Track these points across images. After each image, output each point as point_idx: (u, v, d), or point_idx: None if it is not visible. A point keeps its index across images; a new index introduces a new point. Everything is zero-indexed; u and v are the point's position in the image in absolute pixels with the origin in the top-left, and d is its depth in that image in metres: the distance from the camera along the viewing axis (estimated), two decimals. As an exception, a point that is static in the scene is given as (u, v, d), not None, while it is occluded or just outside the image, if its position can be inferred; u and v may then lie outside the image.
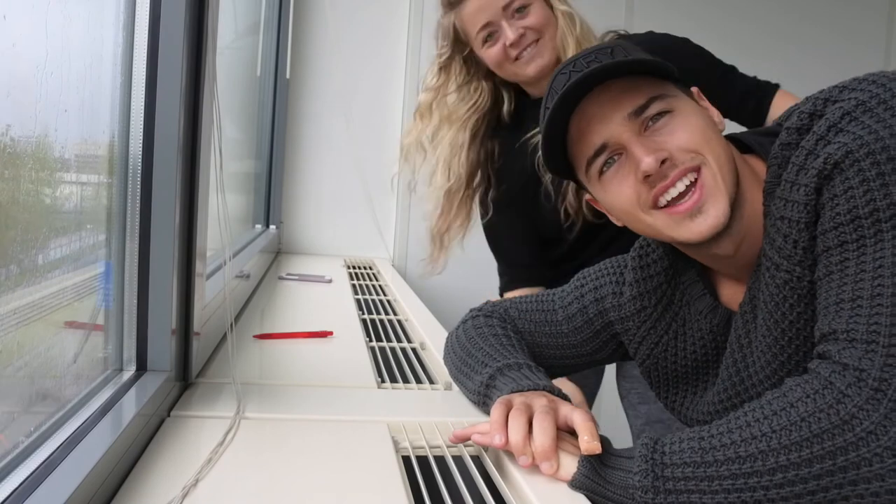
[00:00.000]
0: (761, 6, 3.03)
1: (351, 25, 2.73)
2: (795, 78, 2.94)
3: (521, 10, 1.28)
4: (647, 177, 0.79)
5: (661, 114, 0.80)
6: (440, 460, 0.82)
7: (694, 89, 0.87)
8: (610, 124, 0.81)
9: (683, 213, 0.79)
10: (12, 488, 0.57)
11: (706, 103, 0.87)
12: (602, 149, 0.82)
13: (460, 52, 1.38)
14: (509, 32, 1.28)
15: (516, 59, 1.31)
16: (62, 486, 0.58)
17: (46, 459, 0.63)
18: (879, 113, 0.70)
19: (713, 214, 0.78)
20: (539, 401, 0.81)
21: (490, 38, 1.31)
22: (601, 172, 0.84)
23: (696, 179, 0.79)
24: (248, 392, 0.97)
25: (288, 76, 2.66)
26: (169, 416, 0.88)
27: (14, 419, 0.65)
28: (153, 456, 0.75)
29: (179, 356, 0.95)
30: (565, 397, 0.86)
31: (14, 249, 0.64)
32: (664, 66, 0.82)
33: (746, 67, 3.26)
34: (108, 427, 0.71)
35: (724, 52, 3.18)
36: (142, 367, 0.90)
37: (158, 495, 0.66)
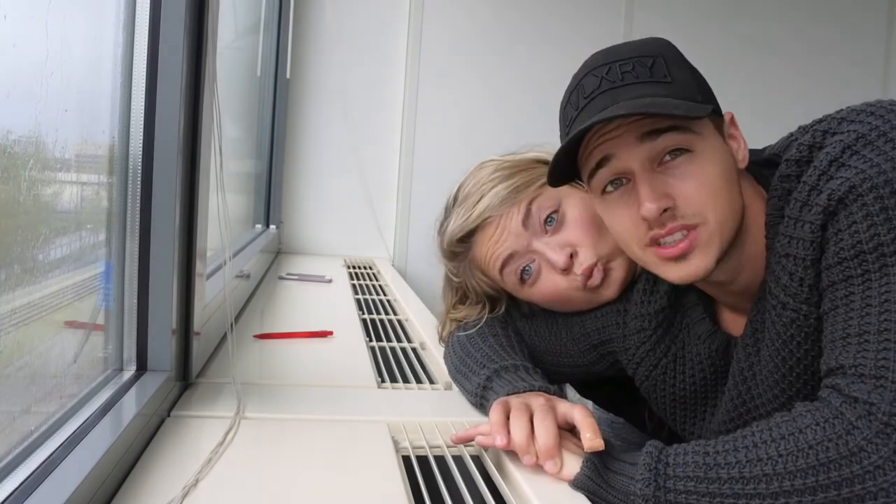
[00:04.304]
0: (759, 16, 3.03)
1: (351, 25, 2.73)
2: (790, 89, 2.97)
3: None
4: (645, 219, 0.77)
5: (680, 150, 0.76)
6: (440, 460, 0.82)
7: (728, 115, 0.83)
8: (620, 142, 0.77)
9: (668, 257, 0.78)
10: (12, 488, 0.57)
11: (736, 132, 0.83)
12: (605, 160, 0.79)
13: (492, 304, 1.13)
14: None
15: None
16: (62, 486, 0.58)
17: (46, 459, 0.63)
18: (880, 146, 0.70)
19: (695, 265, 0.77)
20: (537, 400, 0.81)
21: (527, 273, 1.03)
22: (604, 190, 0.81)
23: (689, 231, 0.77)
24: (248, 392, 0.97)
25: (288, 76, 2.67)
26: (169, 416, 0.88)
27: (14, 419, 0.65)
28: (153, 456, 0.75)
29: (179, 356, 0.94)
30: (561, 395, 0.86)
31: (14, 249, 0.64)
32: (699, 109, 0.76)
33: (744, 76, 3.27)
34: (108, 427, 0.71)
35: (723, 58, 3.20)
36: (142, 367, 0.90)
37: (158, 495, 0.66)
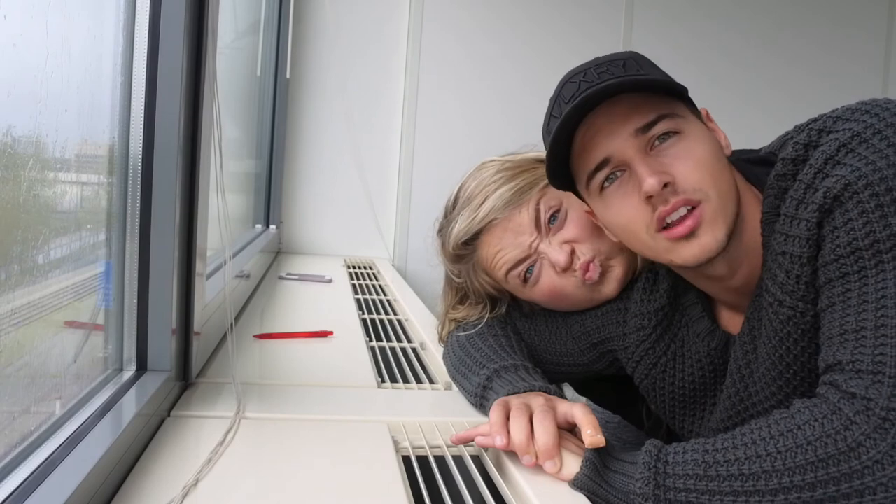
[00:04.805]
0: (758, 18, 3.03)
1: (351, 25, 2.74)
2: (790, 89, 2.98)
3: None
4: (649, 197, 0.78)
5: (668, 134, 0.79)
6: (440, 460, 0.82)
7: (703, 110, 0.85)
8: (615, 139, 0.79)
9: (678, 237, 0.78)
10: (12, 488, 0.57)
11: (714, 125, 0.86)
12: (604, 163, 0.80)
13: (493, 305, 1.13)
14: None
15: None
16: (62, 486, 0.58)
17: (46, 459, 0.63)
18: (875, 143, 0.70)
19: (706, 241, 0.78)
20: (537, 400, 0.81)
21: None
22: (602, 187, 0.82)
23: (694, 208, 0.77)
24: (248, 392, 0.97)
25: (288, 76, 2.67)
26: (169, 416, 0.88)
27: (14, 419, 0.65)
28: (153, 456, 0.75)
29: (179, 356, 0.95)
30: (561, 395, 0.86)
31: (14, 249, 0.64)
32: (677, 85, 0.80)
33: (744, 73, 3.27)
34: (108, 427, 0.71)
35: (723, 55, 3.21)
36: (142, 366, 0.90)
37: (158, 495, 0.66)
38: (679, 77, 0.82)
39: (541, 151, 1.09)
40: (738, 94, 2.94)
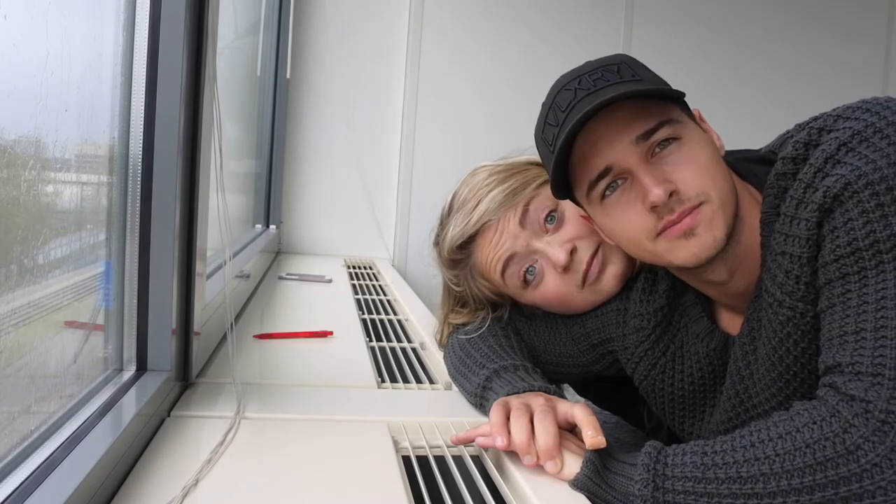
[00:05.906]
0: (757, 21, 3.03)
1: (351, 25, 2.74)
2: (787, 104, 2.98)
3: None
4: (654, 207, 0.77)
5: (668, 140, 0.78)
6: (440, 460, 0.82)
7: (696, 111, 0.85)
8: (617, 148, 0.78)
9: (677, 234, 0.78)
10: (12, 488, 0.57)
11: (707, 125, 0.86)
12: (606, 171, 0.80)
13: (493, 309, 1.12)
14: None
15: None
16: (62, 486, 0.58)
17: (46, 459, 0.63)
18: (876, 142, 0.70)
19: (704, 239, 0.77)
20: (537, 400, 0.81)
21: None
22: (603, 195, 0.81)
23: (694, 208, 0.77)
24: (248, 392, 0.97)
25: (288, 76, 2.67)
26: (169, 416, 0.88)
27: (14, 419, 0.65)
28: (153, 456, 0.75)
29: (179, 356, 0.95)
30: (561, 395, 0.86)
31: (14, 249, 0.64)
32: (675, 92, 0.80)
33: (742, 81, 3.23)
34: (108, 427, 0.71)
35: (721, 61, 3.18)
36: (142, 367, 0.90)
37: (158, 495, 0.66)
38: (678, 85, 0.82)
39: (531, 155, 1.08)
40: (736, 97, 2.94)
